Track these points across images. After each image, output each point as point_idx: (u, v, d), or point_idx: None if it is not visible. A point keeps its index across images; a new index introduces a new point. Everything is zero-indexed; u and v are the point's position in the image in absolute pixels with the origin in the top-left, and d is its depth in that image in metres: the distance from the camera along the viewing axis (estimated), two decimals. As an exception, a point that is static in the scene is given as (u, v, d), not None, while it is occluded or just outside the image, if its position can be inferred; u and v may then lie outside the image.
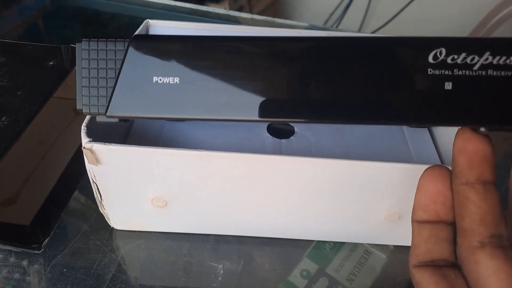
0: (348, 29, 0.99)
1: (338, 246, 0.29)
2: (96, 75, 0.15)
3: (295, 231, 0.28)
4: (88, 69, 0.15)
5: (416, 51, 0.14)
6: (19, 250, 0.27)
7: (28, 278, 0.26)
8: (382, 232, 0.27)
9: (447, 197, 0.15)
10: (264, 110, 0.15)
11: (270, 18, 0.52)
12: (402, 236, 0.27)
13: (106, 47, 0.15)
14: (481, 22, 0.77)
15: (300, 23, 0.51)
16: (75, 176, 0.31)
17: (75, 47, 0.31)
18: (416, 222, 0.15)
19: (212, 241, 0.29)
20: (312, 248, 0.29)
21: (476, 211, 0.14)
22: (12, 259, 0.27)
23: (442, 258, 0.15)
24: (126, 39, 0.15)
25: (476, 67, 0.14)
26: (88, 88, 0.15)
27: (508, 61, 0.14)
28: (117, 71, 0.15)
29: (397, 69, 0.14)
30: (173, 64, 0.15)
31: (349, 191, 0.24)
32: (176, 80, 0.15)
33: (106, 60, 0.15)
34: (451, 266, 0.15)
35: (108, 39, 0.15)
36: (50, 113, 0.33)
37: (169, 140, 0.28)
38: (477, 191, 0.14)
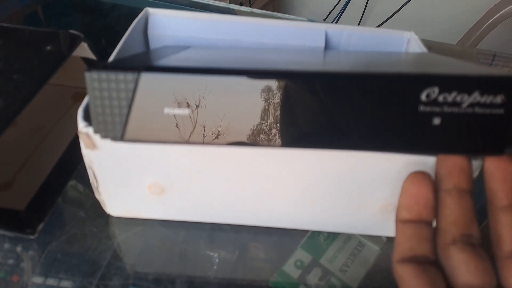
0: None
1: (332, 237, 0.29)
2: (109, 103, 0.16)
3: (290, 221, 0.29)
4: (100, 98, 0.16)
5: (410, 88, 0.15)
6: (13, 235, 0.27)
7: (22, 264, 0.26)
8: (376, 223, 0.28)
9: (429, 199, 0.16)
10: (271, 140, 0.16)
11: (269, 12, 0.52)
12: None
13: (116, 78, 0.15)
14: (477, 22, 0.77)
15: (299, 18, 0.51)
16: (72, 163, 0.31)
17: (73, 33, 0.31)
18: (400, 221, 0.17)
19: (208, 229, 0.29)
20: (307, 239, 0.29)
21: (451, 214, 0.16)
22: (6, 245, 0.27)
23: (423, 255, 0.16)
24: (136, 71, 0.15)
25: (464, 105, 0.15)
26: (102, 115, 0.16)
27: (494, 100, 0.15)
28: (129, 100, 0.15)
29: (391, 104, 0.15)
30: (183, 97, 0.15)
31: (344, 182, 0.24)
32: (186, 111, 0.16)
33: (117, 90, 0.15)
34: (432, 263, 0.16)
35: (118, 70, 0.15)
36: (47, 99, 0.33)
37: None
38: (453, 197, 0.16)
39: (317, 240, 0.29)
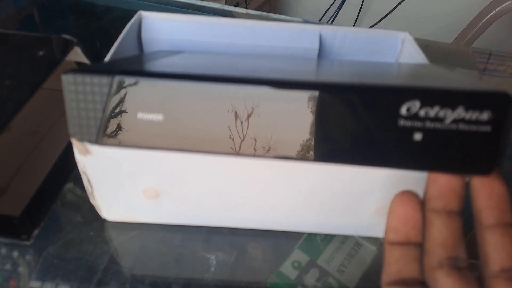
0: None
1: (329, 238, 0.29)
2: (84, 106, 0.15)
3: (286, 224, 0.29)
4: (75, 101, 0.15)
5: (390, 101, 0.14)
6: (8, 242, 0.27)
7: (19, 269, 0.26)
8: (373, 225, 0.28)
9: (417, 221, 0.16)
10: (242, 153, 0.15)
11: (264, 13, 0.52)
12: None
13: (91, 81, 0.15)
14: (473, 20, 0.77)
15: (294, 18, 0.51)
16: (67, 168, 0.31)
17: (66, 38, 0.31)
18: (388, 243, 0.16)
19: (205, 232, 0.29)
20: (304, 240, 0.29)
21: (438, 235, 0.16)
22: (3, 250, 0.27)
23: (412, 277, 0.16)
24: (110, 74, 0.15)
25: (448, 121, 0.14)
26: (77, 118, 0.16)
27: (480, 117, 0.14)
28: (103, 104, 0.15)
29: (371, 117, 0.14)
30: (157, 103, 0.15)
31: (340, 185, 0.24)
32: (159, 117, 0.15)
33: (92, 93, 0.15)
34: (419, 284, 0.16)
35: (92, 73, 0.15)
36: (41, 104, 0.33)
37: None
38: (441, 218, 0.16)
39: (314, 241, 0.29)
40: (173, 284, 0.26)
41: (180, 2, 0.52)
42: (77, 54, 0.31)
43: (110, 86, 0.15)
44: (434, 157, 0.14)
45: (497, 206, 0.16)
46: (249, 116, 0.15)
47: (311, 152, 0.15)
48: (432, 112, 0.14)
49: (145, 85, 0.15)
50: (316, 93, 0.14)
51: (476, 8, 0.77)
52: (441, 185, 0.16)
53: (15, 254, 0.26)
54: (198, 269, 0.27)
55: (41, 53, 0.28)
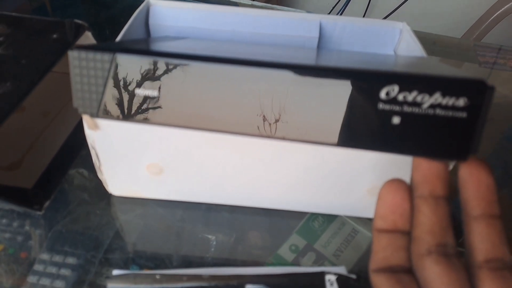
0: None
1: (326, 223, 0.30)
2: (87, 81, 0.17)
3: (282, 202, 0.30)
4: (79, 75, 0.17)
5: (370, 85, 0.15)
6: (22, 211, 0.28)
7: (30, 241, 0.27)
8: (366, 205, 0.29)
9: (405, 209, 0.16)
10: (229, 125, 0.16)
11: (269, 5, 0.53)
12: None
13: (94, 58, 0.16)
14: (482, 16, 0.77)
15: (298, 10, 0.52)
16: (76, 146, 0.32)
17: (78, 22, 0.33)
18: (376, 230, 0.17)
19: (207, 211, 0.30)
20: (302, 225, 0.30)
21: (426, 222, 0.15)
22: (15, 223, 0.28)
23: (398, 264, 0.16)
24: (112, 52, 0.16)
25: (425, 106, 0.14)
26: (81, 91, 0.17)
27: (456, 103, 0.14)
28: (104, 79, 0.16)
29: (351, 99, 0.15)
30: (154, 80, 0.16)
31: (333, 165, 0.25)
32: (155, 93, 0.16)
33: (95, 68, 0.16)
34: (407, 271, 0.16)
35: (96, 50, 0.16)
36: (53, 87, 0.34)
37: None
38: (428, 204, 0.16)
39: (311, 226, 0.30)
40: (173, 257, 0.27)
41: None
42: (88, 38, 0.33)
43: (111, 63, 0.16)
44: (412, 140, 0.15)
45: (484, 197, 0.16)
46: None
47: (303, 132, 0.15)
48: (410, 96, 0.14)
49: (143, 62, 0.16)
50: (304, 76, 0.15)
51: (486, 5, 0.77)
52: (425, 171, 0.16)
53: (27, 227, 0.28)
54: (199, 247, 0.28)
55: (54, 36, 0.30)
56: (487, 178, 0.16)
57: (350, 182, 0.27)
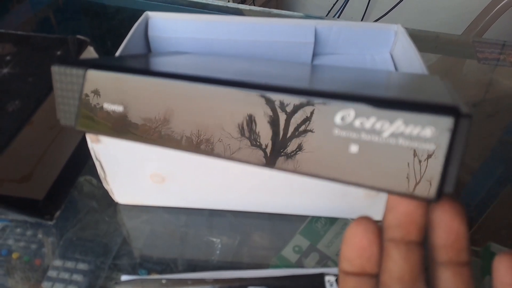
0: (350, 20, 0.99)
1: (329, 224, 0.31)
2: (67, 94, 0.18)
3: (282, 207, 0.31)
4: (60, 89, 0.17)
5: (325, 108, 0.13)
6: (34, 221, 0.30)
7: (43, 249, 0.29)
8: (363, 207, 0.29)
9: (373, 253, 0.15)
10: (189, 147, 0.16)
11: (267, 9, 0.54)
12: (382, 212, 0.29)
13: (70, 72, 0.17)
14: (484, 10, 0.77)
15: (295, 13, 0.53)
16: (83, 158, 0.34)
17: (80, 38, 0.34)
18: (342, 272, 0.16)
19: (210, 216, 0.31)
20: (305, 226, 0.31)
21: (396, 269, 0.14)
22: (29, 232, 0.30)
23: None
24: (84, 67, 0.17)
25: (385, 134, 0.12)
26: (62, 105, 0.18)
27: (422, 133, 0.12)
28: (79, 93, 0.17)
29: (309, 124, 0.13)
30: (118, 94, 0.16)
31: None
32: (120, 108, 0.16)
33: (72, 83, 0.17)
34: None
35: (72, 65, 0.17)
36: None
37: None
38: (399, 250, 0.14)
39: (315, 227, 0.30)
40: (178, 262, 0.28)
41: (185, 0, 0.54)
42: (90, 53, 0.34)
43: (84, 77, 0.17)
44: (372, 173, 0.13)
45: (454, 246, 0.14)
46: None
47: (262, 156, 0.14)
48: (368, 123, 0.12)
49: (110, 78, 0.16)
50: (259, 95, 0.14)
51: (486, -1, 0.76)
52: (400, 214, 0.14)
53: (40, 235, 0.29)
54: (204, 251, 0.29)
55: (58, 52, 0.31)
56: (458, 224, 0.14)
57: (347, 187, 0.27)
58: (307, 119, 0.13)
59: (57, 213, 0.30)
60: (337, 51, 0.37)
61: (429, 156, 0.12)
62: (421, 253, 0.14)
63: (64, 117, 0.18)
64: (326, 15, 1.08)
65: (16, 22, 0.53)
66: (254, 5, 0.91)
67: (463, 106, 0.12)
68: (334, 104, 0.13)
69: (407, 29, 0.34)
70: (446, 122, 0.12)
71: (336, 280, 0.26)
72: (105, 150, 0.26)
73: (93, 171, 0.29)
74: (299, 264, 0.28)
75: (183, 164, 0.27)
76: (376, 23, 0.35)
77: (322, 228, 0.31)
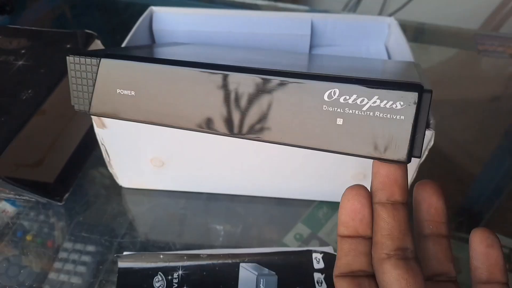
0: (368, 12, 0.99)
1: (331, 213, 0.32)
2: (81, 83, 0.19)
3: (277, 190, 0.32)
4: (75, 77, 0.19)
5: (316, 88, 0.16)
6: (45, 201, 0.32)
7: (54, 232, 0.31)
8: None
9: (365, 215, 0.17)
10: (194, 122, 0.18)
11: (272, 3, 0.55)
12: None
13: (85, 62, 0.19)
14: (500, 4, 0.75)
15: (300, 7, 0.54)
16: (91, 145, 0.36)
17: (88, 32, 0.36)
18: (339, 236, 0.17)
19: (205, 199, 0.33)
20: (307, 215, 0.32)
21: (385, 226, 0.16)
22: (41, 217, 0.32)
23: (360, 269, 0.17)
24: (98, 57, 0.19)
25: (365, 108, 0.15)
26: (76, 91, 0.19)
27: (393, 106, 0.15)
28: (93, 81, 0.19)
29: (299, 102, 0.16)
30: (130, 80, 0.18)
31: (317, 155, 0.27)
32: (132, 93, 0.18)
33: (86, 72, 0.19)
34: (368, 276, 0.17)
35: (86, 55, 0.19)
36: (69, 90, 0.38)
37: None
38: (387, 209, 0.16)
39: (316, 216, 0.32)
40: (176, 244, 0.30)
41: (192, -5, 0.56)
42: (98, 46, 0.36)
43: (98, 66, 0.19)
44: (355, 141, 0.16)
45: (433, 219, 0.17)
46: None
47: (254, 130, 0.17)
48: (351, 99, 0.15)
49: (122, 66, 0.18)
50: (261, 78, 0.16)
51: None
52: (383, 177, 0.16)
53: (51, 220, 0.32)
54: (207, 237, 0.30)
55: (68, 46, 0.34)
56: (437, 200, 0.17)
57: (335, 169, 0.29)
58: (300, 98, 0.16)
59: (66, 195, 0.33)
60: (333, 43, 0.38)
61: (400, 124, 0.15)
62: (406, 212, 0.16)
63: (78, 103, 0.20)
64: (344, 8, 1.07)
65: (34, 17, 0.56)
66: None
67: (426, 83, 0.15)
68: (322, 84, 0.16)
69: (424, 24, 0.35)
70: (412, 97, 0.15)
71: (323, 258, 0.28)
72: (110, 135, 0.28)
73: (100, 159, 0.31)
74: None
75: (180, 149, 0.29)
76: (370, 16, 0.36)
77: (323, 217, 0.32)
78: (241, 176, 0.31)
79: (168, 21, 0.37)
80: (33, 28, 0.36)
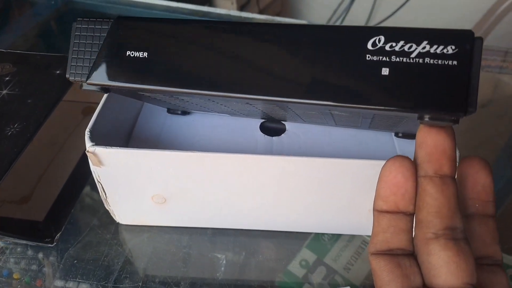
0: (356, 19, 0.98)
1: (336, 237, 0.30)
2: (84, 49, 0.18)
3: (285, 224, 0.30)
4: (78, 43, 0.18)
5: (356, 37, 0.14)
6: (34, 244, 0.29)
7: (44, 269, 0.28)
8: (368, 224, 0.29)
9: (407, 190, 0.15)
10: (218, 85, 0.16)
11: (270, 17, 0.53)
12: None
13: (95, 25, 0.17)
14: (489, 10, 0.75)
15: (299, 21, 0.52)
16: (84, 175, 0.33)
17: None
18: (377, 211, 0.16)
19: (210, 234, 0.31)
20: (311, 240, 0.30)
21: (433, 203, 0.14)
22: (29, 253, 0.29)
23: (399, 247, 0.15)
24: (110, 20, 0.17)
25: (413, 55, 0.14)
26: (76, 59, 0.18)
27: (445, 50, 0.14)
28: (100, 46, 0.17)
29: (338, 54, 0.15)
30: (142, 41, 0.17)
31: (335, 187, 0.25)
32: (144, 54, 0.17)
33: (93, 36, 0.17)
34: (408, 255, 0.15)
35: (98, 20, 0.17)
36: (59, 116, 0.35)
37: (168, 140, 0.30)
38: (434, 184, 0.14)
39: (321, 240, 0.30)
40: (181, 283, 0.28)
41: (187, 9, 0.54)
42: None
43: (110, 27, 0.17)
44: (403, 92, 0.14)
45: (479, 198, 0.15)
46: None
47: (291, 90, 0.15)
48: (398, 46, 0.14)
49: (136, 26, 0.17)
50: (293, 34, 0.15)
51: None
52: (430, 148, 0.14)
53: (40, 256, 0.29)
54: (208, 269, 0.28)
55: (57, 72, 0.31)
56: (484, 177, 0.15)
57: (353, 202, 0.27)
58: (339, 49, 0.15)
59: (58, 235, 0.30)
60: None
61: (453, 71, 0.14)
62: (455, 187, 0.14)
63: (75, 74, 0.18)
64: (333, 14, 1.06)
65: (20, 32, 0.53)
66: (258, 5, 0.90)
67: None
68: (365, 31, 0.14)
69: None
70: (465, 39, 0.14)
71: None
72: (107, 173, 0.26)
73: (95, 188, 0.29)
74: (305, 280, 0.28)
75: (183, 186, 0.26)
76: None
77: (328, 241, 0.30)
78: (248, 212, 0.29)
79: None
80: (18, 51, 0.34)
